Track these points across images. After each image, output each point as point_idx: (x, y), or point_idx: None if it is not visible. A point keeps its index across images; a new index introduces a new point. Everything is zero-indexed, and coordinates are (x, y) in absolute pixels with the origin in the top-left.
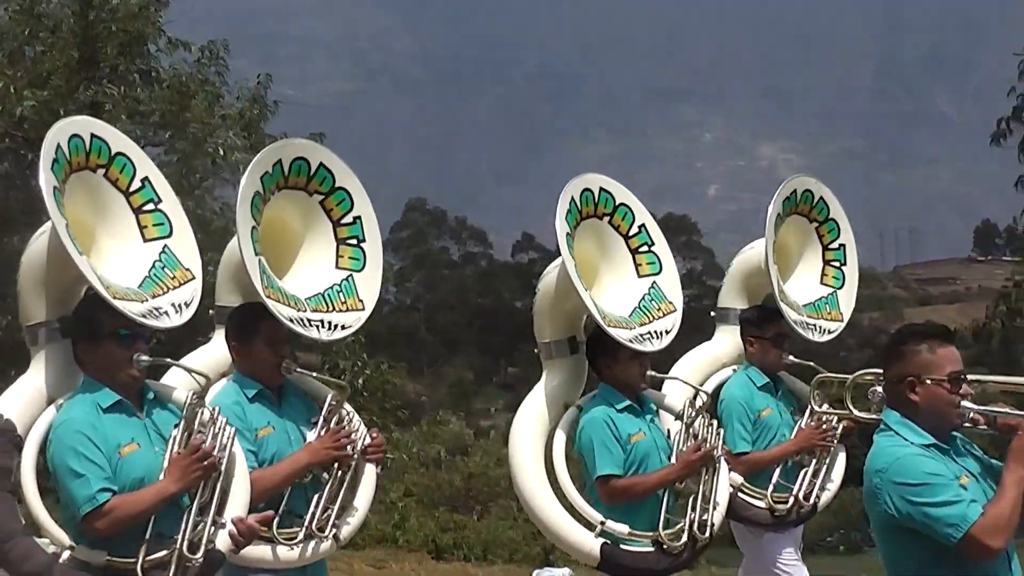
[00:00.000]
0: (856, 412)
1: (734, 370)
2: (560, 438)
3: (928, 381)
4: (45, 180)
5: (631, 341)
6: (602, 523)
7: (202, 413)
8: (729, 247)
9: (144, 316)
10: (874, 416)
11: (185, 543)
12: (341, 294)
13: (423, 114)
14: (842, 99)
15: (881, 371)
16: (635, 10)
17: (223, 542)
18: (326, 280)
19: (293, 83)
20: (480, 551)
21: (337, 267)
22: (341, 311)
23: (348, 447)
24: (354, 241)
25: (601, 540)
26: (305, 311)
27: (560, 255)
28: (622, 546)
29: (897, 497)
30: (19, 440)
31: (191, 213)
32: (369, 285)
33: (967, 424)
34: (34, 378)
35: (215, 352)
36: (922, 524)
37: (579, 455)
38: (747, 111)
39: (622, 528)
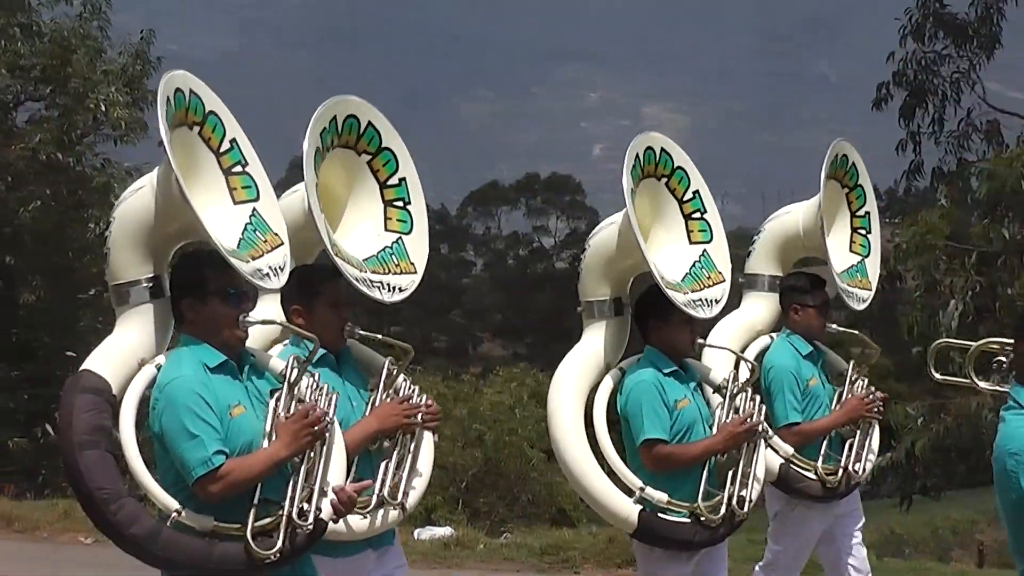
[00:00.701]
0: (980, 384)
1: (771, 338)
2: (601, 400)
3: None
4: (165, 130)
5: (686, 305)
6: (641, 489)
7: (306, 379)
8: (611, 207)
9: (252, 275)
10: (998, 388)
11: (294, 509)
12: (394, 256)
13: (304, 69)
14: (725, 61)
15: (1010, 341)
16: None
17: (326, 511)
18: (379, 242)
19: (177, 38)
20: None
21: (387, 229)
22: (396, 273)
23: (415, 414)
24: (400, 203)
25: (639, 507)
26: (366, 272)
27: (619, 211)
28: (660, 515)
29: None
30: (115, 400)
31: (71, 169)
32: (418, 248)
33: None
34: (124, 337)
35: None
36: None
37: (623, 417)
38: (632, 71)
39: (661, 496)
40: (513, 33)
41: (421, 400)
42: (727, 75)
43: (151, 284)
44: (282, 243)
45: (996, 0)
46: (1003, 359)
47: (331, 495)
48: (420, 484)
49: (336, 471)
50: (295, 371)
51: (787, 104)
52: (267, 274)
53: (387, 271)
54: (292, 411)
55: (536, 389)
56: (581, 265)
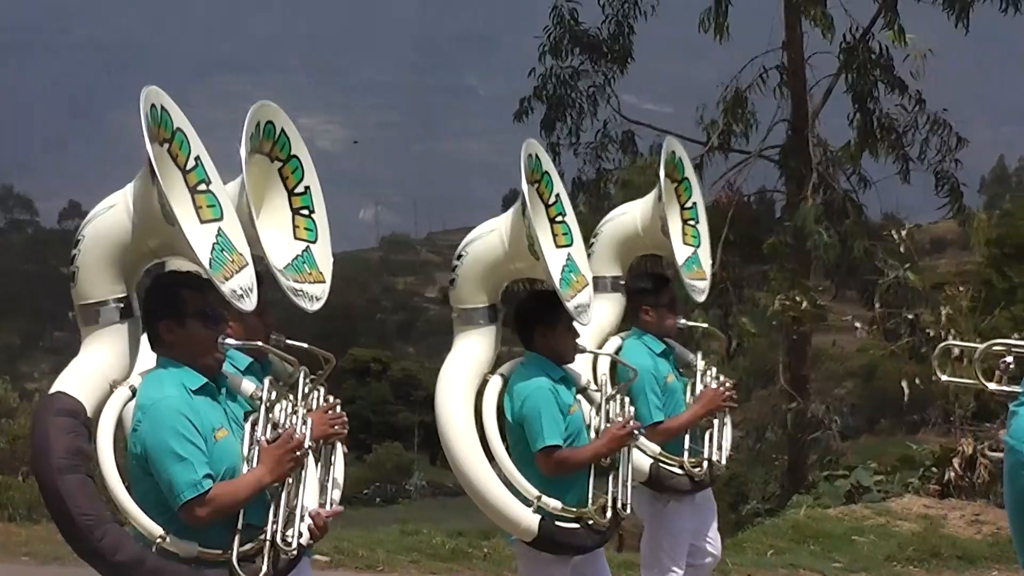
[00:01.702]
0: (989, 385)
1: (620, 338)
2: (490, 408)
3: None
4: (151, 146)
5: (574, 311)
6: (538, 498)
7: (280, 403)
8: None
9: (230, 297)
10: (1005, 388)
11: (278, 535)
12: (305, 264)
13: None
14: (381, 73)
15: (1016, 342)
16: None
17: (305, 535)
18: (291, 251)
19: None
20: (25, 511)
21: (295, 238)
22: (310, 282)
23: (300, 451)
24: (306, 212)
25: (539, 516)
26: (289, 280)
27: (497, 217)
28: (556, 523)
29: None
30: (90, 422)
31: None
32: (324, 256)
33: None
34: (95, 358)
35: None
36: None
37: (517, 424)
38: (292, 84)
39: (556, 504)
40: (176, 46)
41: (305, 424)
42: (383, 88)
43: (121, 304)
44: (247, 263)
45: (626, 17)
46: (1009, 360)
47: (308, 520)
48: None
49: (311, 496)
50: (273, 394)
51: (439, 116)
52: (241, 295)
53: (303, 280)
54: (269, 435)
55: None
56: (455, 274)
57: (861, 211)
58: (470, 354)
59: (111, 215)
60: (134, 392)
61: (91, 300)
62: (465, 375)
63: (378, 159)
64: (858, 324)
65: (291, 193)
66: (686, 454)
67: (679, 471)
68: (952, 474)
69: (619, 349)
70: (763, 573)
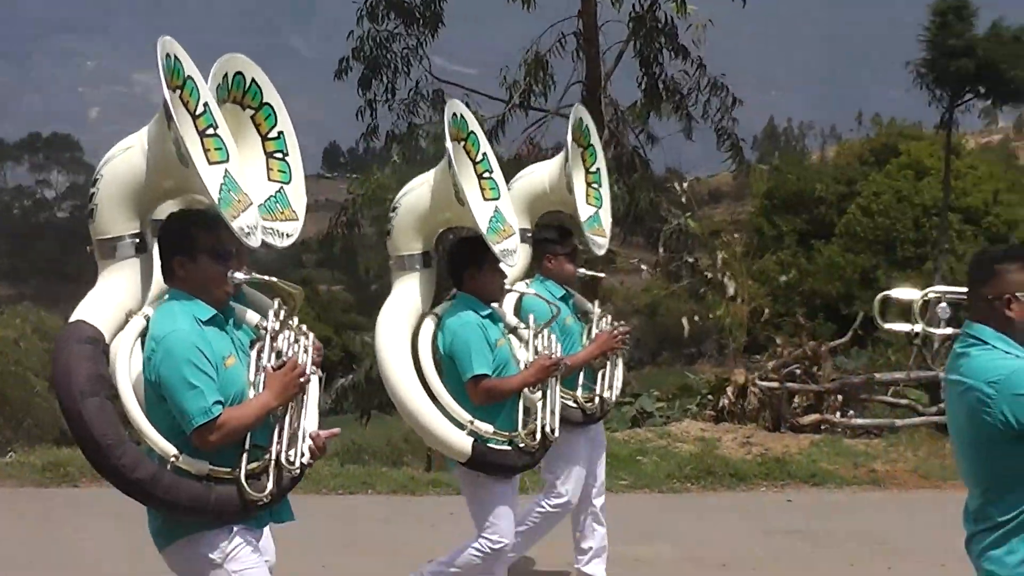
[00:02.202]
0: (928, 328)
1: (527, 284)
2: (426, 344)
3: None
4: (169, 93)
5: (500, 254)
6: (471, 423)
7: (286, 329)
8: None
9: (239, 234)
10: (947, 330)
11: (282, 455)
12: (278, 204)
13: None
14: (207, 35)
15: (950, 288)
16: None
17: (306, 455)
18: (264, 191)
19: None
20: None
21: (269, 180)
22: (282, 220)
23: (305, 376)
24: (280, 155)
25: (472, 439)
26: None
27: (427, 172)
28: (488, 445)
29: (1018, 407)
30: (107, 349)
31: None
32: (297, 196)
33: None
34: (112, 290)
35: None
36: None
37: (448, 356)
38: (126, 42)
39: (488, 427)
40: (19, 6)
41: (308, 344)
42: (209, 48)
43: (137, 240)
44: (251, 203)
45: None
46: (945, 304)
47: (308, 440)
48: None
49: (312, 418)
50: (276, 324)
51: (267, 74)
52: (248, 233)
53: (274, 219)
54: (274, 363)
55: (39, 325)
56: (391, 224)
57: (647, 165)
58: (406, 297)
59: (127, 156)
60: (148, 321)
61: (108, 236)
62: (402, 316)
63: None
64: (644, 267)
65: (264, 138)
66: (580, 390)
67: (572, 404)
68: (726, 401)
69: (523, 294)
70: None
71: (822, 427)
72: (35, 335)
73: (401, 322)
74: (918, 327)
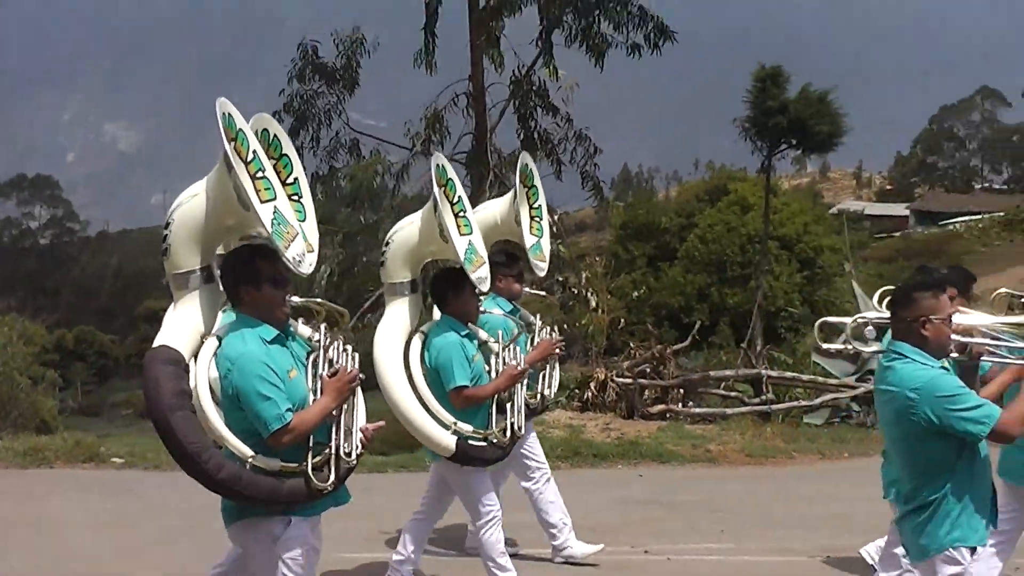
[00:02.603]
0: (863, 348)
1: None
2: (415, 357)
3: (935, 320)
4: (230, 148)
5: (477, 281)
6: (454, 424)
7: (335, 344)
8: (85, 199)
9: (291, 263)
10: (876, 349)
11: (343, 447)
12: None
13: None
14: (168, 87)
15: (876, 314)
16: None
17: (358, 448)
18: None
19: None
20: None
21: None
22: (308, 252)
23: (355, 382)
24: (296, 197)
25: (455, 437)
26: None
27: (414, 213)
28: (469, 442)
29: (937, 408)
30: (188, 368)
31: None
32: (312, 231)
33: (953, 353)
34: (188, 316)
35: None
36: (958, 429)
37: (434, 369)
38: (97, 97)
39: (467, 427)
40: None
41: (352, 360)
42: (171, 98)
43: (205, 272)
44: (298, 233)
45: (354, 54)
46: (872, 328)
47: (360, 434)
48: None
49: (360, 415)
50: (327, 338)
51: (214, 124)
52: (299, 261)
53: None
54: (327, 371)
55: (23, 332)
56: (384, 256)
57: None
58: (398, 317)
59: (194, 202)
60: (220, 342)
61: (182, 270)
62: (395, 333)
63: (168, 156)
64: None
65: (283, 183)
66: (525, 388)
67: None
68: (589, 394)
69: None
70: None
71: (667, 415)
72: (20, 340)
73: (394, 338)
74: (857, 347)
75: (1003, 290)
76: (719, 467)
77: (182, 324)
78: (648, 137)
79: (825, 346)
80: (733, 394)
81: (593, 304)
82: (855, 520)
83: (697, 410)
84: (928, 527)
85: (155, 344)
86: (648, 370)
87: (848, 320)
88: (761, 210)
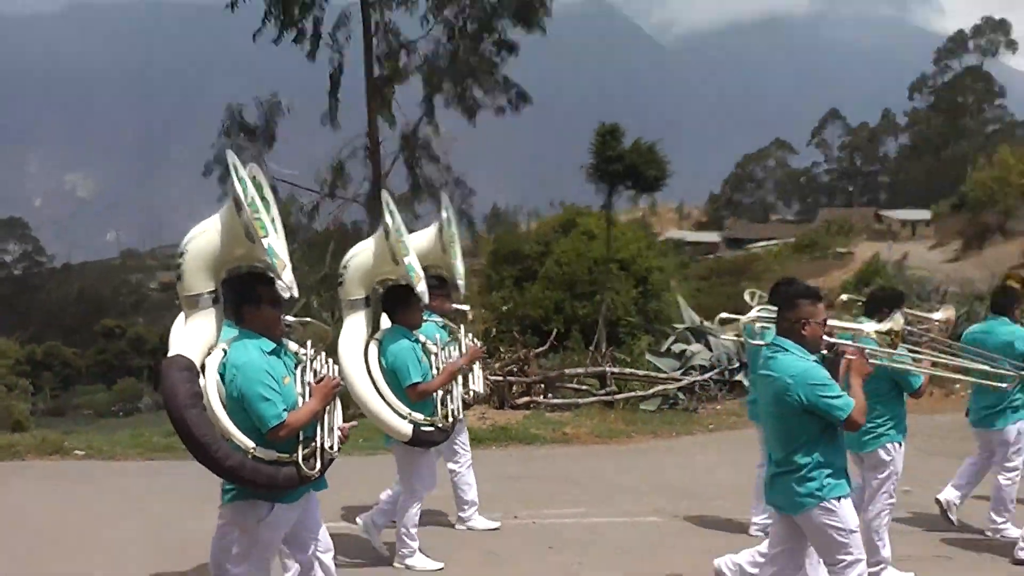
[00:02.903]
0: (754, 342)
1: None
2: (374, 359)
3: (813, 323)
4: (242, 193)
5: (420, 294)
6: (409, 414)
7: (319, 356)
8: (50, 237)
9: (283, 290)
10: (760, 343)
11: (325, 442)
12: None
13: None
14: (118, 139)
15: (765, 313)
16: None
17: (338, 442)
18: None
19: None
20: None
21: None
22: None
23: (337, 387)
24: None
25: (411, 424)
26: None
27: (365, 240)
28: (420, 427)
29: (808, 392)
30: (198, 372)
31: None
32: (282, 248)
33: (822, 351)
34: (198, 330)
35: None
36: (823, 409)
37: (391, 370)
38: (58, 151)
39: (419, 416)
40: None
41: (333, 370)
42: (120, 151)
43: (213, 294)
44: (287, 265)
45: (272, 115)
46: (764, 324)
47: (338, 432)
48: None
49: (339, 415)
50: (312, 351)
51: (159, 174)
52: (288, 288)
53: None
54: (314, 379)
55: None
56: (342, 278)
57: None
58: (356, 328)
59: (205, 235)
60: (225, 352)
61: (193, 293)
62: (355, 341)
63: (118, 200)
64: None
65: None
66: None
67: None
68: None
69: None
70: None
71: (531, 405)
72: None
73: (355, 345)
74: (750, 341)
75: (844, 297)
76: (573, 446)
77: (193, 337)
78: (513, 180)
79: (724, 338)
80: (583, 387)
81: (471, 317)
82: (682, 486)
83: (555, 401)
84: (803, 485)
85: (170, 354)
86: (515, 369)
87: (742, 317)
88: (604, 239)
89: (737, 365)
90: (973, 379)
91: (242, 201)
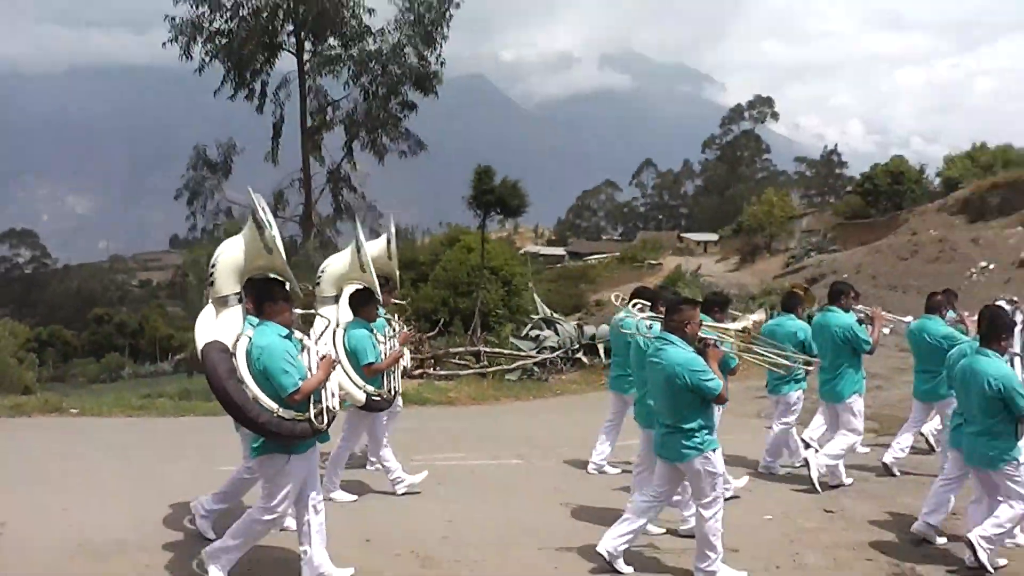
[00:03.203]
0: (645, 335)
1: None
2: (339, 343)
3: (691, 323)
4: (266, 219)
5: (374, 292)
6: (365, 386)
7: (321, 339)
8: (54, 245)
9: (297, 288)
10: (652, 336)
11: (329, 403)
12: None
13: None
14: (100, 167)
15: (653, 314)
16: None
17: (337, 403)
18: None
19: None
20: None
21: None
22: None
23: (335, 362)
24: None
25: (365, 394)
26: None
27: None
28: (372, 397)
29: (692, 376)
30: (233, 354)
31: None
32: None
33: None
34: (228, 323)
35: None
36: (702, 388)
37: (352, 352)
38: (61, 178)
39: (371, 388)
40: None
41: (331, 350)
42: (100, 177)
43: (239, 296)
44: (291, 274)
45: (229, 152)
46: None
47: (337, 396)
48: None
49: (336, 383)
50: (314, 337)
51: (145, 202)
52: (296, 289)
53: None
54: (318, 356)
55: (12, 330)
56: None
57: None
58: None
59: (232, 251)
60: (250, 339)
61: (223, 294)
62: (226, 337)
63: (110, 217)
64: None
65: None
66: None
67: (384, 395)
68: None
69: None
70: None
71: (424, 376)
72: (10, 335)
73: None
74: (643, 334)
75: (638, 303)
76: (455, 407)
77: (226, 327)
78: (412, 206)
79: (624, 331)
80: (463, 362)
81: (408, 310)
82: (536, 436)
83: (442, 372)
84: (690, 441)
85: (208, 340)
86: (412, 349)
87: (631, 309)
88: (479, 251)
89: (578, 347)
90: (768, 364)
91: (264, 224)
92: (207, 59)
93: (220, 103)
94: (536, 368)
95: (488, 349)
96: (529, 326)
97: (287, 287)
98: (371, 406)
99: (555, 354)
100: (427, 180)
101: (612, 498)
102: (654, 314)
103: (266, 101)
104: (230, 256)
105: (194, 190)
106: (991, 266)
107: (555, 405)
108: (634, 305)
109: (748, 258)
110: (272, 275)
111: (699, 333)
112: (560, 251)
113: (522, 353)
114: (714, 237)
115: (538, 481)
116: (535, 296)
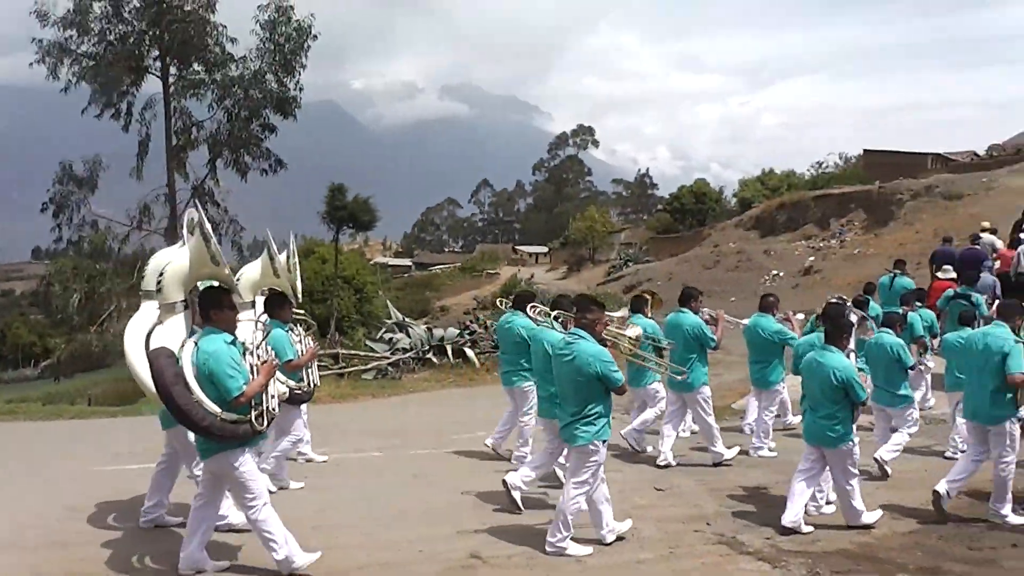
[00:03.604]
0: (567, 329)
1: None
2: (187, 360)
3: (600, 323)
4: (211, 234)
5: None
6: (287, 380)
7: (262, 346)
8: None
9: (241, 297)
10: (567, 332)
11: (269, 405)
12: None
13: None
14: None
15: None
16: None
17: (277, 406)
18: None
19: None
20: None
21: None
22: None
23: (275, 367)
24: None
25: (288, 389)
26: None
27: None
28: (293, 390)
29: (602, 366)
30: (178, 359)
31: None
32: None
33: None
34: (173, 329)
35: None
36: (609, 378)
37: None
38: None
39: (292, 383)
40: None
41: (270, 355)
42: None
43: (184, 303)
44: (236, 280)
45: (95, 168)
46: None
47: (276, 399)
48: (278, 399)
49: (276, 387)
50: (255, 341)
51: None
52: (241, 297)
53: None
54: (259, 361)
55: None
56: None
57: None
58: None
59: (180, 260)
60: (196, 344)
61: (170, 301)
62: (170, 342)
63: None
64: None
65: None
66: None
67: (305, 388)
68: None
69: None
70: None
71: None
72: None
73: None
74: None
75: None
76: (319, 405)
77: (172, 334)
78: (271, 221)
79: (545, 319)
80: (323, 364)
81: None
82: (393, 429)
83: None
84: (589, 428)
85: (155, 346)
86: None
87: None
88: (333, 262)
89: (428, 348)
90: (652, 367)
91: (211, 237)
92: (74, 80)
93: (86, 120)
94: (390, 368)
95: (345, 351)
96: (383, 330)
97: (232, 295)
98: (293, 399)
99: (407, 355)
100: (286, 196)
101: (472, 481)
102: (565, 313)
103: (132, 120)
104: (177, 265)
105: (60, 203)
106: (781, 274)
107: (408, 401)
108: (531, 308)
109: (575, 268)
110: (218, 286)
111: (602, 335)
112: (407, 262)
113: (377, 354)
114: (544, 249)
115: (397, 466)
116: (388, 302)
